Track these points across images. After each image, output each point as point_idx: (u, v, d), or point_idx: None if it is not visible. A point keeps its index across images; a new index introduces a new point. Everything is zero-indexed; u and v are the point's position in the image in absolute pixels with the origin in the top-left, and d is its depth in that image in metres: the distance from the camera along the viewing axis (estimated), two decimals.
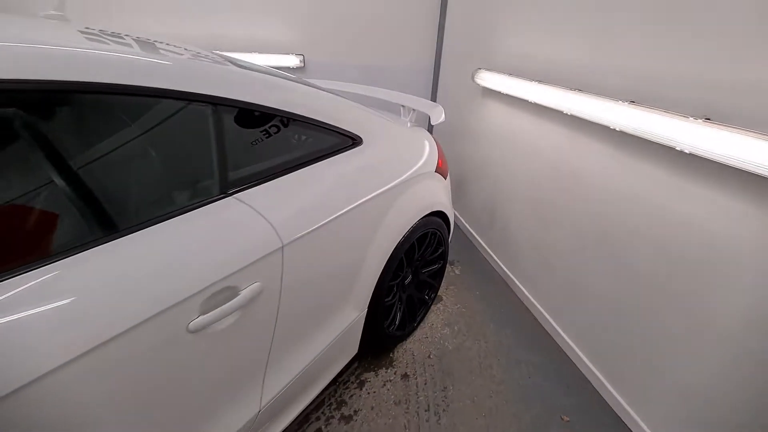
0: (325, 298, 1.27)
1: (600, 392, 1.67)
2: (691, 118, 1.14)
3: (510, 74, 2.09)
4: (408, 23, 3.02)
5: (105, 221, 0.76)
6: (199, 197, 0.90)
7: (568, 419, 1.56)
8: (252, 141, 1.03)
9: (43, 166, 0.70)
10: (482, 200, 2.63)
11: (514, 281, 2.30)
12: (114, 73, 0.74)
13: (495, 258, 2.50)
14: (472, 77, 2.44)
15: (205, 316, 0.84)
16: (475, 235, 2.78)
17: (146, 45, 0.92)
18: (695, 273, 1.26)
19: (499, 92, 2.22)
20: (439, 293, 2.15)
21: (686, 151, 1.17)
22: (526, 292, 2.18)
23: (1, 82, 0.62)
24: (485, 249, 2.63)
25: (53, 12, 1.15)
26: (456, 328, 1.99)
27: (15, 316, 0.62)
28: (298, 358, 1.19)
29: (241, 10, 2.62)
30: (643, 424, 1.48)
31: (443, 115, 1.86)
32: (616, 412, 1.59)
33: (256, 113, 1.01)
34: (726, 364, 1.19)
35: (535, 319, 2.08)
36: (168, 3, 2.48)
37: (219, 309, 0.86)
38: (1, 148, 0.67)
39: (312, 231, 1.07)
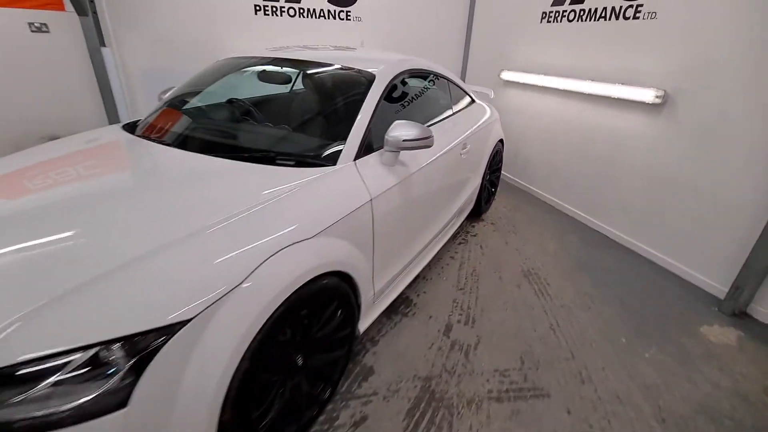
0: (471, 177, 2.90)
1: (584, 223, 3.42)
2: (602, 82, 2.91)
3: (522, 71, 3.85)
4: (443, 42, 4.74)
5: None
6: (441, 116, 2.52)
7: (574, 236, 3.28)
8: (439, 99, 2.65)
9: (412, 100, 2.28)
10: (510, 149, 4.36)
11: (530, 188, 4.05)
12: (418, 65, 2.34)
13: (517, 179, 4.25)
14: (498, 75, 4.19)
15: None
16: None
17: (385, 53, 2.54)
18: (616, 150, 3.03)
19: (517, 82, 3.98)
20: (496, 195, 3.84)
21: (615, 96, 2.93)
22: (540, 191, 3.94)
23: (409, 70, 2.20)
24: (511, 177, 4.36)
25: (362, 42, 2.73)
26: (509, 208, 3.68)
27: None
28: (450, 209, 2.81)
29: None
30: (610, 229, 3.24)
31: (492, 94, 3.58)
32: (594, 228, 3.33)
33: (439, 77, 2.63)
34: (632, 190, 2.96)
35: (545, 203, 3.83)
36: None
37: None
38: (403, 95, 2.25)
39: (468, 136, 2.70)
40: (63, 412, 0.88)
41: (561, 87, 3.48)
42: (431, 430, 1.55)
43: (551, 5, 3.60)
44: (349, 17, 4.37)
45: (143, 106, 4.01)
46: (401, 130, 1.70)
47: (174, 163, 1.64)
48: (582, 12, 3.29)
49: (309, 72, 2.30)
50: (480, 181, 3.07)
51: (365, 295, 1.67)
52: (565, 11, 3.46)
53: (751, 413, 1.69)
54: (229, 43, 4.03)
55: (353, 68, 2.04)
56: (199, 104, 2.23)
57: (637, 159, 2.94)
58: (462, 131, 2.60)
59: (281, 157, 1.63)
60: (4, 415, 0.85)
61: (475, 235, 3.14)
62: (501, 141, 3.42)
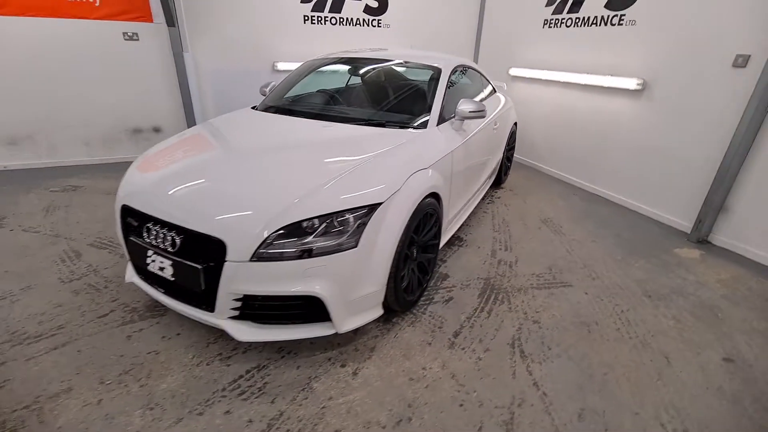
0: (496, 150, 3.69)
1: (583, 187, 4.24)
2: (594, 74, 3.75)
3: (528, 68, 4.68)
4: (457, 44, 5.56)
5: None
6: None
7: (576, 195, 4.10)
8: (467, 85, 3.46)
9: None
10: (518, 133, 5.19)
11: (536, 164, 4.88)
12: (463, 62, 3.15)
13: (525, 158, 5.07)
14: (507, 71, 5.02)
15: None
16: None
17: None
18: (607, 129, 3.87)
19: (523, 77, 4.82)
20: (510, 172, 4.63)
21: (605, 85, 3.77)
22: (545, 166, 4.77)
23: (459, 65, 2.98)
24: (520, 157, 5.19)
25: (412, 45, 3.51)
26: (522, 179, 4.48)
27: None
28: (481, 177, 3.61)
29: None
30: (606, 191, 4.07)
31: (506, 86, 4.40)
32: (591, 191, 4.16)
33: (476, 72, 3.44)
34: (620, 159, 3.79)
35: (550, 175, 4.65)
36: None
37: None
38: (455, 82, 3.05)
39: (497, 115, 3.49)
40: (327, 247, 1.63)
41: (561, 80, 4.31)
42: (496, 303, 2.32)
43: (552, 14, 4.44)
44: (380, 24, 5.15)
45: (211, 101, 4.72)
46: (466, 104, 2.48)
47: (327, 127, 2.44)
48: (578, 20, 4.13)
49: (394, 66, 3.15)
50: (501, 155, 3.87)
51: (445, 217, 2.44)
52: (564, 19, 4.30)
53: (706, 292, 2.50)
54: (284, 47, 4.78)
55: (425, 64, 2.83)
56: (318, 90, 3.07)
57: (622, 134, 3.78)
58: (493, 110, 3.39)
59: (390, 123, 2.40)
60: (300, 246, 1.59)
61: (499, 198, 3.94)
62: (515, 123, 4.23)
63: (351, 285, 1.72)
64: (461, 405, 1.65)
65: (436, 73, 2.72)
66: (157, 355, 1.84)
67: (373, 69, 3.16)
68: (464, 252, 2.87)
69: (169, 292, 1.84)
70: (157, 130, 4.62)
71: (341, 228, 1.67)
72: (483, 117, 2.55)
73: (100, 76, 4.17)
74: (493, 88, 3.90)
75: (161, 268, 1.74)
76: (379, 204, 1.75)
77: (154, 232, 1.72)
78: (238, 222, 1.63)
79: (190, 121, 4.55)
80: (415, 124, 2.41)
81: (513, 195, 4.04)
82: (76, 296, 2.23)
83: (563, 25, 4.33)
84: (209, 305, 1.71)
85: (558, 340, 2.04)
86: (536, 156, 4.98)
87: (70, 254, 2.64)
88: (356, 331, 2.01)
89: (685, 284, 2.58)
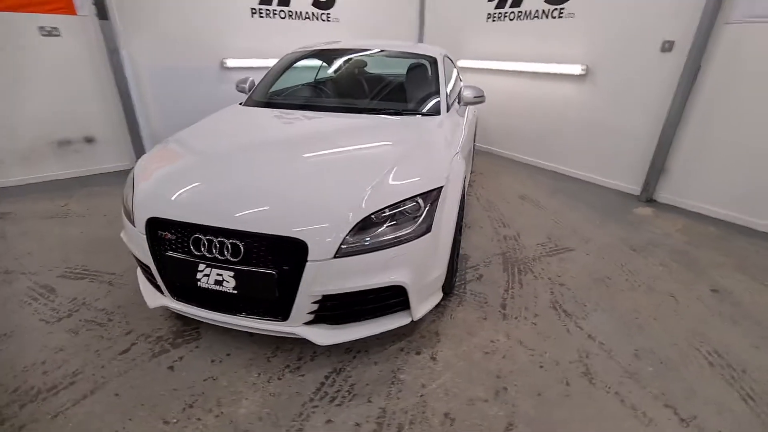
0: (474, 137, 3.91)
1: (542, 167, 4.68)
2: (543, 63, 4.17)
3: (477, 59, 5.00)
4: (401, 38, 5.71)
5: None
6: None
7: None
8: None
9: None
10: None
11: (493, 149, 5.25)
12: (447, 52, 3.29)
13: (481, 144, 5.42)
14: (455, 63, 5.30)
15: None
16: None
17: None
18: (559, 111, 4.33)
19: (472, 68, 5.13)
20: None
21: (553, 72, 4.20)
22: (503, 150, 5.15)
23: (445, 55, 3.12)
24: (476, 143, 5.52)
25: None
26: (484, 164, 4.79)
27: None
28: None
29: None
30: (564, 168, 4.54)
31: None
32: (550, 169, 4.61)
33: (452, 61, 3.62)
34: (573, 138, 4.28)
35: (508, 158, 5.04)
36: None
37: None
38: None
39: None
40: (403, 235, 1.61)
41: (512, 69, 4.69)
42: (521, 273, 2.49)
43: (494, 8, 4.79)
44: (329, 18, 5.06)
45: (153, 104, 4.21)
46: (469, 91, 2.60)
47: (352, 119, 2.39)
48: (520, 13, 4.52)
49: (389, 57, 3.15)
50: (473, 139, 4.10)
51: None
52: (507, 13, 4.67)
53: (673, 240, 2.97)
54: (232, 43, 4.45)
55: (419, 53, 2.88)
56: (315, 82, 2.95)
57: (573, 115, 4.26)
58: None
59: (407, 111, 2.42)
60: (377, 237, 1.55)
61: (474, 181, 4.17)
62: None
63: (424, 271, 1.72)
64: (541, 366, 1.76)
65: (432, 61, 2.79)
66: (216, 381, 1.64)
67: (367, 60, 3.13)
68: (469, 234, 3.00)
69: (225, 308, 1.65)
70: (89, 140, 3.97)
71: (414, 215, 1.66)
72: (483, 102, 2.69)
73: (14, 80, 3.46)
74: (459, 75, 4.10)
75: (219, 282, 1.55)
76: (441, 187, 1.77)
77: (207, 243, 1.53)
78: (318, 220, 1.52)
79: (133, 129, 4.00)
80: (431, 111, 2.46)
81: (485, 178, 4.30)
82: (76, 336, 1.87)
83: (506, 19, 4.70)
84: (283, 313, 1.58)
85: (587, 297, 2.27)
86: (493, 142, 5.35)
87: (40, 291, 2.19)
88: (417, 320, 2.01)
89: (655, 237, 3.03)
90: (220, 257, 1.53)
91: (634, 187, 3.87)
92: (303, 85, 2.99)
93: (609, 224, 3.22)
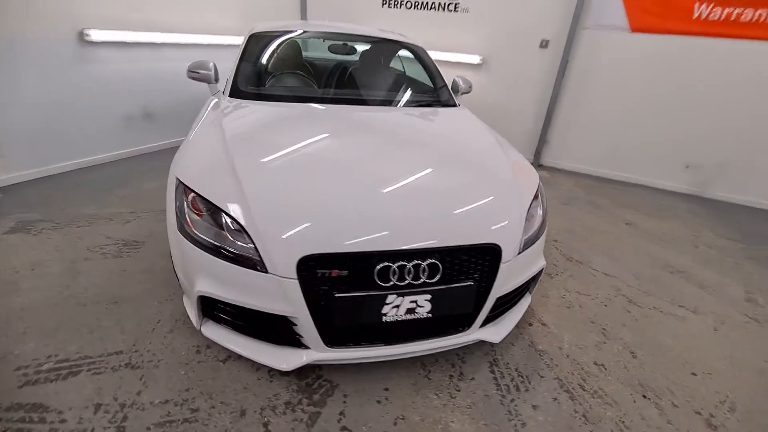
0: None
1: None
2: (440, 51, 4.70)
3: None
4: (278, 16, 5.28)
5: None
6: None
7: None
8: None
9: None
10: None
11: None
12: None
13: None
14: None
15: None
16: None
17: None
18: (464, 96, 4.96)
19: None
20: None
21: (455, 61, 4.74)
22: None
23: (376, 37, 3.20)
24: None
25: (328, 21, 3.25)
26: None
27: None
28: None
29: None
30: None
31: None
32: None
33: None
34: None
35: None
36: None
37: None
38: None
39: None
40: (544, 222, 1.77)
41: None
42: None
43: None
44: None
45: None
46: (462, 81, 2.79)
47: (387, 112, 2.27)
48: (417, 3, 4.84)
49: (378, 44, 2.99)
50: None
51: None
52: (404, 1, 4.92)
53: (579, 193, 3.98)
54: (94, 8, 3.25)
55: (405, 42, 2.84)
56: (305, 71, 2.61)
57: (475, 99, 4.93)
58: None
59: (436, 102, 2.48)
60: (531, 228, 1.66)
61: None
62: None
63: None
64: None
65: (420, 50, 2.83)
66: (407, 419, 1.47)
67: (355, 47, 2.86)
68: None
69: (404, 337, 1.47)
70: None
71: (541, 200, 1.83)
72: (470, 92, 2.93)
73: None
74: None
75: (411, 310, 1.38)
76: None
77: (399, 270, 1.33)
78: (499, 220, 1.51)
79: None
80: (449, 101, 2.55)
81: None
82: None
83: (403, 7, 4.95)
84: (467, 323, 1.53)
85: (577, 249, 2.90)
86: None
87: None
88: None
89: (568, 192, 3.99)
90: (415, 282, 1.35)
91: (529, 157, 4.87)
92: (290, 73, 2.54)
93: None
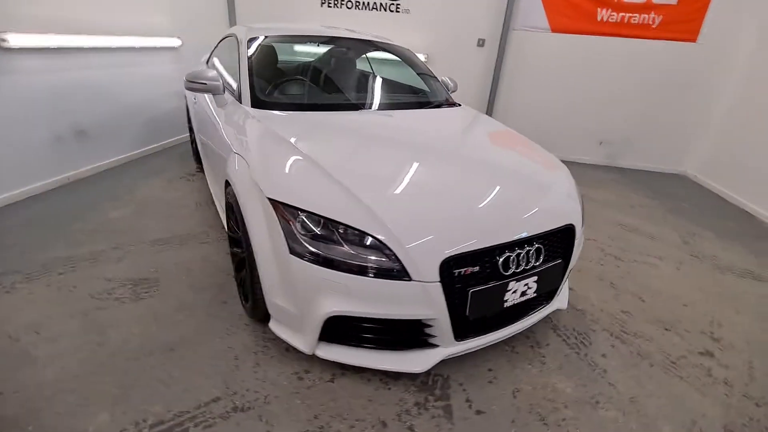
0: None
1: None
2: None
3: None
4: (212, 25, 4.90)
5: None
6: None
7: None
8: None
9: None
10: None
11: None
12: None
13: None
14: None
15: None
16: None
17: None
18: None
19: None
20: None
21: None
22: None
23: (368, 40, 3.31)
24: None
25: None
26: None
27: None
28: None
29: None
30: None
31: None
32: None
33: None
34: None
35: None
36: None
37: None
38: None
39: None
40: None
41: None
42: None
43: None
44: None
45: None
46: (450, 81, 3.00)
47: (420, 116, 2.38)
48: (358, 3, 4.90)
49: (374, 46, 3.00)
50: None
51: None
52: (344, 0, 4.92)
53: None
54: (17, 8, 2.67)
55: (394, 44, 2.92)
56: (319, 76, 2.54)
57: None
58: None
59: (453, 103, 2.64)
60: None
61: None
62: None
63: None
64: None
65: (409, 51, 2.94)
66: (535, 390, 1.64)
67: (353, 49, 2.82)
68: None
69: (512, 318, 1.63)
70: None
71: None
72: (456, 91, 3.15)
73: None
74: None
75: (524, 292, 1.55)
76: None
77: (516, 258, 1.48)
78: (570, 202, 1.76)
79: None
80: (454, 101, 2.73)
81: None
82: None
83: (344, 6, 4.96)
84: (551, 295, 1.76)
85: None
86: None
87: None
88: None
89: None
90: (527, 267, 1.51)
91: None
92: (303, 80, 2.43)
93: None
